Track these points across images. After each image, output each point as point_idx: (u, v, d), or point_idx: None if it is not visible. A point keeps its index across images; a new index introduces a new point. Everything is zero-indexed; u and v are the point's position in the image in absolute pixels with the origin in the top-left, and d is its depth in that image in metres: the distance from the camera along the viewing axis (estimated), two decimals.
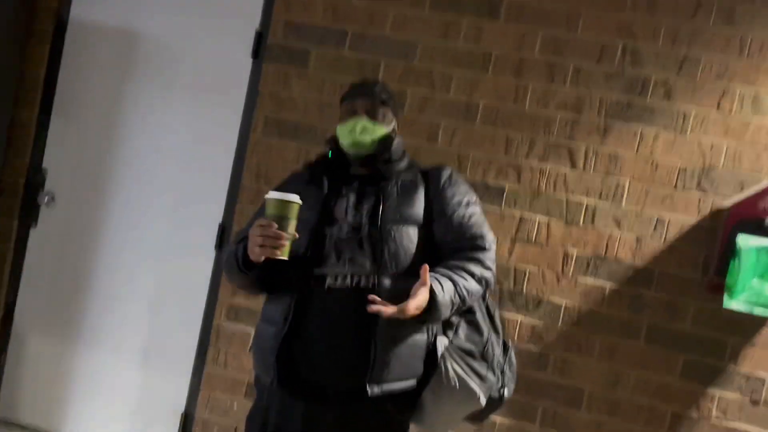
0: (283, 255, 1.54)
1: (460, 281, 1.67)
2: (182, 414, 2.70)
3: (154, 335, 2.75)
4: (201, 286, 2.70)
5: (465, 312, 1.77)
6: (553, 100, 2.39)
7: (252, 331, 2.61)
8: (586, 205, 2.37)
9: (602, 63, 2.36)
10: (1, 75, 2.76)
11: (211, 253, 2.69)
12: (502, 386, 1.80)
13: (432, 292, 1.59)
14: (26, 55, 2.81)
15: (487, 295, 1.82)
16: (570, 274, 2.38)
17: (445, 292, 1.63)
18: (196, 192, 2.71)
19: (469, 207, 1.76)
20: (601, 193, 2.36)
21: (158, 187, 2.74)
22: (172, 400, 2.72)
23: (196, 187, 2.71)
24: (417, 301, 1.57)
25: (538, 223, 2.40)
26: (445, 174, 1.80)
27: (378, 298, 1.57)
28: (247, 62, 2.65)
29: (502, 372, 1.80)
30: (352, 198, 1.74)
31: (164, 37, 2.74)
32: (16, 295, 2.87)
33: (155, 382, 2.74)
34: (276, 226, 1.53)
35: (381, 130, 1.77)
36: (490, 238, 1.75)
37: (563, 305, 2.39)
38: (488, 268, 1.73)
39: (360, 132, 1.76)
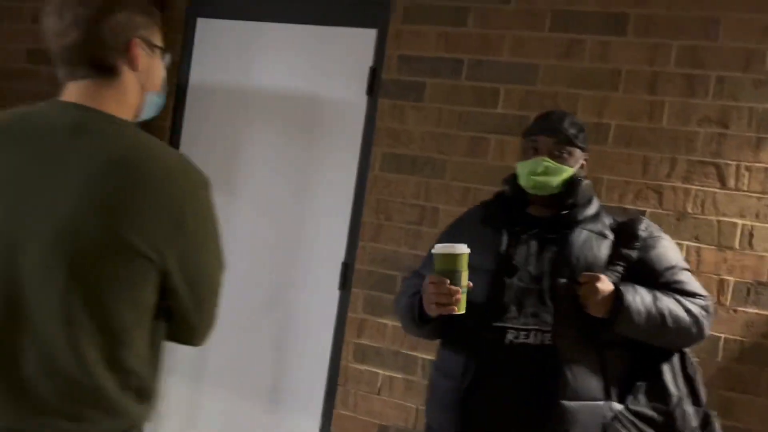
0: (460, 309, 1.51)
1: (665, 299, 1.54)
2: None
3: (281, 376, 2.75)
4: (326, 326, 2.67)
5: (652, 373, 1.59)
6: (695, 115, 2.21)
7: (380, 371, 2.56)
8: (742, 227, 2.15)
9: (749, 70, 2.15)
10: None
11: (334, 293, 2.67)
12: None
13: (618, 290, 1.51)
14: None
15: (687, 353, 1.63)
16: (727, 303, 2.16)
17: (638, 297, 1.52)
18: (318, 231, 2.71)
19: (680, 273, 1.62)
20: (758, 213, 2.14)
21: (280, 228, 2.76)
22: None
23: (317, 226, 2.71)
24: (604, 282, 1.50)
25: (687, 249, 2.20)
26: (642, 230, 1.63)
27: (590, 273, 1.53)
28: (363, 99, 2.65)
29: None
30: (534, 245, 1.62)
31: (279, 83, 2.78)
32: None
33: (284, 425, 2.73)
34: (448, 281, 1.49)
35: (565, 172, 1.63)
36: (705, 293, 1.63)
37: (722, 338, 2.16)
38: (702, 309, 1.59)
39: (541, 173, 1.62)
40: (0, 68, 3.20)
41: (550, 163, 1.62)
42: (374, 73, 2.63)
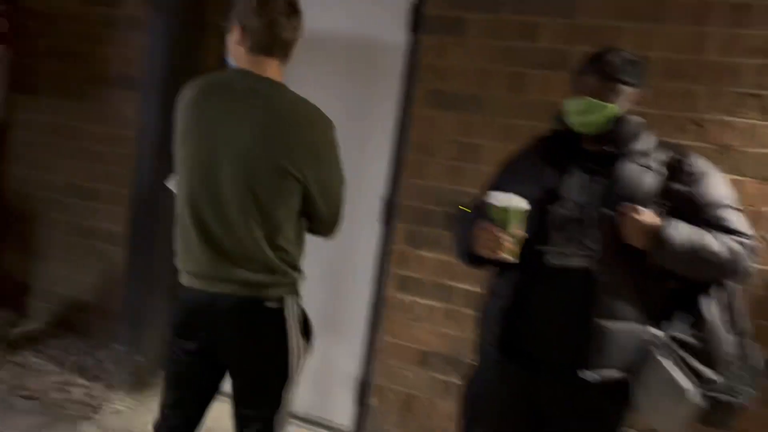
0: (512, 256, 1.64)
1: (705, 235, 1.58)
2: (358, 380, 2.83)
3: (327, 306, 2.90)
4: (368, 258, 2.79)
5: (691, 301, 1.64)
6: (741, 45, 2.18)
7: (421, 301, 2.67)
8: None
9: None
10: (182, 66, 2.99)
11: (375, 226, 2.77)
12: (734, 389, 1.62)
13: (659, 223, 1.57)
14: (201, 48, 3.03)
15: (728, 284, 1.66)
16: (767, 234, 2.18)
17: (678, 231, 1.58)
18: (360, 168, 2.79)
19: (725, 210, 1.63)
20: None
21: None
22: (347, 368, 2.86)
23: (358, 163, 2.80)
24: (647, 213, 1.58)
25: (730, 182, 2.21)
26: (689, 165, 1.66)
27: (632, 204, 1.60)
28: (404, 36, 2.67)
29: (735, 373, 1.62)
30: (584, 177, 1.69)
31: (323, 23, 2.81)
32: None
33: (330, 351, 2.90)
34: (497, 230, 1.62)
35: (608, 110, 1.66)
36: (749, 232, 1.63)
37: (759, 269, 2.19)
38: (741, 245, 1.60)
39: (581, 112, 1.67)
40: (55, 10, 3.31)
41: (590, 101, 1.66)
42: (416, 9, 2.64)
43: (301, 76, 2.87)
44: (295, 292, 1.77)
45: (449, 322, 2.64)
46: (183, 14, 2.94)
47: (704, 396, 1.59)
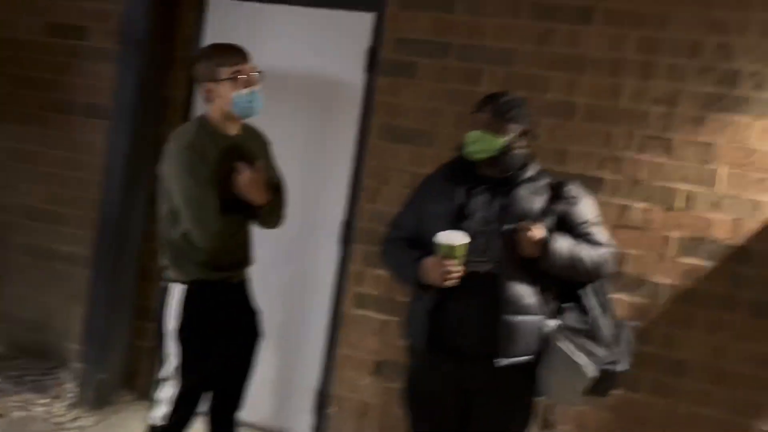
0: (456, 280, 1.99)
1: (578, 246, 2.01)
2: (317, 390, 3.05)
3: (288, 321, 3.11)
4: (328, 276, 3.04)
5: (577, 296, 2.07)
6: (648, 96, 2.59)
7: (377, 316, 2.94)
8: (685, 192, 2.56)
9: (695, 58, 2.54)
10: (149, 98, 3.17)
11: (335, 248, 3.03)
12: (615, 361, 2.04)
13: (546, 238, 1.97)
14: (168, 80, 3.22)
15: (602, 281, 2.10)
16: (671, 255, 2.58)
17: (560, 244, 1.98)
18: (321, 194, 3.05)
19: (591, 227, 2.08)
20: (697, 180, 2.55)
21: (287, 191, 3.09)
22: (306, 379, 3.08)
23: (319, 190, 3.05)
24: (538, 230, 1.96)
25: (639, 210, 2.61)
26: (568, 191, 2.09)
27: (526, 222, 1.99)
28: (360, 76, 2.97)
29: (615, 349, 2.05)
30: (486, 197, 2.07)
31: (285, 62, 3.07)
32: None
33: (291, 363, 3.11)
34: (446, 264, 1.95)
35: (495, 142, 2.04)
36: (610, 243, 2.09)
37: (664, 284, 2.59)
38: (605, 255, 2.06)
39: (471, 142, 2.06)
40: (19, 39, 3.41)
41: (481, 134, 2.04)
42: (372, 53, 2.95)
43: (268, 111, 3.09)
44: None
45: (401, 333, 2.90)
46: (152, 48, 3.13)
47: (595, 368, 1.99)
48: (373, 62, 2.94)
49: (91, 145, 3.30)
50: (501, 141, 2.05)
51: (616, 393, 2.62)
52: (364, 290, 2.95)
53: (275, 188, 2.29)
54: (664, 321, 2.59)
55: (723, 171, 2.52)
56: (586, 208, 2.11)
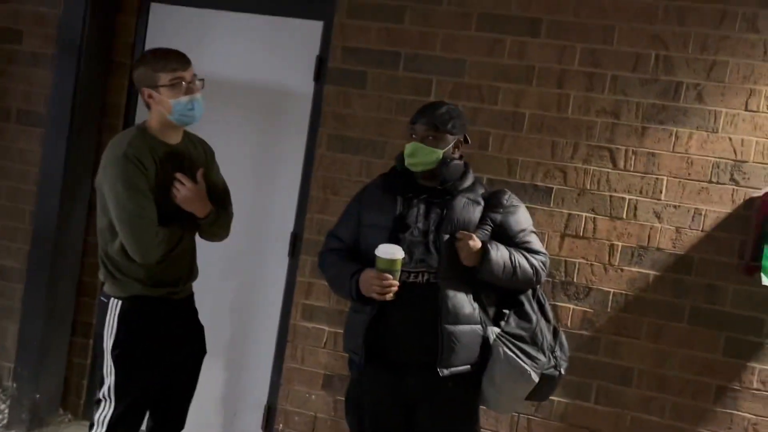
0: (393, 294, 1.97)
1: (515, 254, 2.02)
2: (265, 406, 2.97)
3: (237, 336, 3.03)
4: (277, 289, 2.97)
5: (516, 303, 2.08)
6: (594, 107, 2.63)
7: (326, 328, 2.88)
8: (629, 201, 2.61)
9: (637, 71, 2.59)
10: (87, 104, 3.05)
11: (284, 260, 2.96)
12: (556, 366, 2.08)
13: (485, 247, 1.97)
14: (108, 87, 3.11)
15: (538, 287, 2.12)
16: (616, 263, 2.62)
17: (499, 253, 1.98)
18: (269, 205, 2.98)
19: (528, 235, 2.10)
20: (641, 190, 2.60)
21: (235, 203, 3.01)
22: (255, 394, 2.99)
23: (268, 201, 2.99)
24: (475, 241, 1.96)
25: (585, 219, 2.64)
26: (506, 200, 2.10)
27: (465, 232, 1.99)
28: (310, 85, 2.92)
29: (553, 353, 2.08)
30: (423, 208, 2.05)
31: (231, 69, 3.01)
32: None
33: (240, 378, 3.02)
34: (391, 278, 1.93)
35: (434, 154, 2.03)
36: (544, 251, 2.11)
37: (611, 292, 2.62)
38: (541, 263, 2.07)
39: (410, 155, 2.05)
40: None
41: (419, 146, 2.03)
42: (321, 62, 2.91)
43: (216, 119, 3.03)
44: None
45: None
46: (89, 53, 3.02)
47: (537, 374, 2.01)
48: (322, 71, 2.90)
49: (26, 154, 3.16)
50: (439, 153, 2.04)
51: (565, 401, 2.65)
52: (313, 302, 2.90)
53: (220, 199, 2.22)
54: (611, 329, 2.63)
55: (665, 181, 2.58)
56: (523, 216, 2.12)
